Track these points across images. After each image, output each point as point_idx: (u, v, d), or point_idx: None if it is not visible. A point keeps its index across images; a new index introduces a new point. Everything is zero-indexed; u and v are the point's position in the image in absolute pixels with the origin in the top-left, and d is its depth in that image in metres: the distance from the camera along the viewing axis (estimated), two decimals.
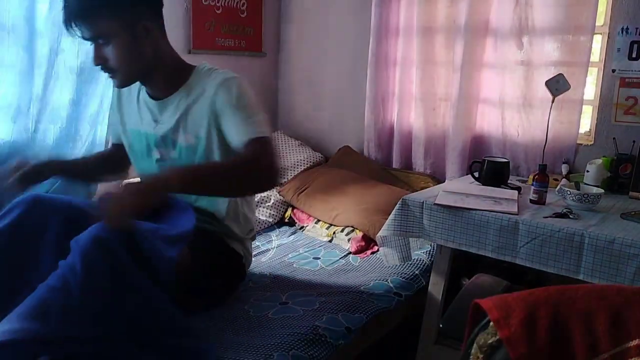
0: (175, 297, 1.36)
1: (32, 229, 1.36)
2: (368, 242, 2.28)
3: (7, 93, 1.88)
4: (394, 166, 2.75)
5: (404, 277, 2.00)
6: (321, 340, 1.52)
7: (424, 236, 1.89)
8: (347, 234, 2.34)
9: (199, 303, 1.60)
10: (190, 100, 1.54)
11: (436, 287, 1.97)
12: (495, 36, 2.40)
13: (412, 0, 2.57)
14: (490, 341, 0.81)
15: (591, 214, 1.78)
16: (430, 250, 2.20)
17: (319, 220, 2.48)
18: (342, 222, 2.38)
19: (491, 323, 0.81)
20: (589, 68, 2.21)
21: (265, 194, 2.62)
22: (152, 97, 1.61)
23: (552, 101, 2.14)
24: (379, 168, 2.72)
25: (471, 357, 0.83)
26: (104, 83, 2.07)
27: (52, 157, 1.68)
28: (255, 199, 2.55)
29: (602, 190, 1.88)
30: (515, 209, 1.77)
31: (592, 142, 2.28)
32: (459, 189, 2.01)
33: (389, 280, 1.96)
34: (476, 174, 2.17)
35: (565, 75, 2.12)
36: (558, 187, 1.94)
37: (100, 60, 1.47)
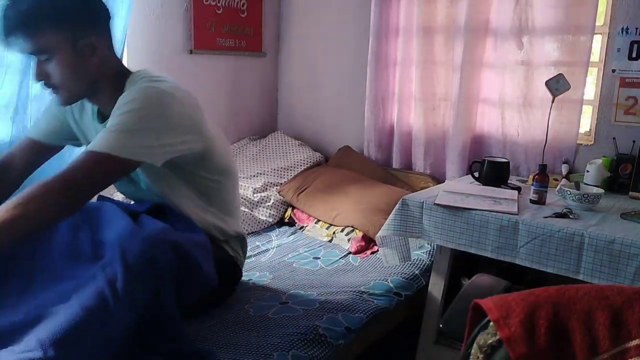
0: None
1: None
2: (368, 242, 2.28)
3: (5, 93, 1.88)
4: (394, 166, 2.75)
5: (404, 277, 2.00)
6: (321, 340, 1.52)
7: (424, 236, 1.89)
8: (347, 234, 2.34)
9: (196, 304, 1.59)
10: None
11: (436, 287, 1.97)
12: (495, 36, 2.40)
13: (412, 0, 2.57)
14: (490, 341, 0.81)
15: (591, 214, 1.78)
16: (430, 250, 2.20)
17: (319, 220, 2.48)
18: (342, 222, 2.38)
19: (491, 323, 0.81)
20: (589, 68, 2.21)
21: (265, 193, 2.62)
22: (101, 113, 1.52)
23: (552, 101, 2.14)
24: (379, 168, 2.72)
25: (471, 357, 0.83)
26: None
27: None
28: (255, 199, 2.55)
29: (602, 190, 1.88)
30: (515, 209, 1.77)
31: (592, 142, 2.28)
32: (459, 189, 2.01)
33: (389, 280, 1.96)
34: (476, 174, 2.17)
35: (565, 75, 2.11)
36: (558, 187, 1.94)
37: (41, 77, 1.39)
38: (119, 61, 1.52)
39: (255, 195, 2.58)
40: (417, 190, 2.28)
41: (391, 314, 1.86)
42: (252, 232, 2.45)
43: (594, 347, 0.77)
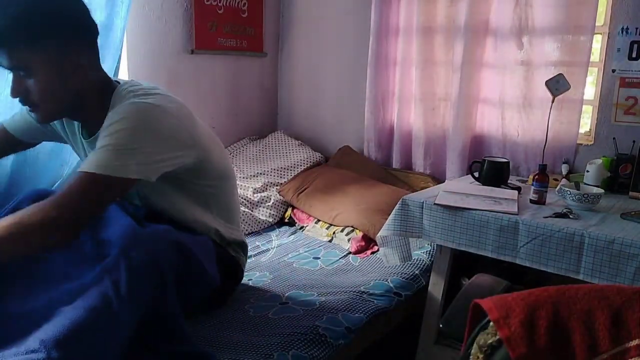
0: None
1: None
2: (368, 242, 2.28)
3: (5, 93, 1.88)
4: (394, 166, 2.75)
5: (404, 277, 2.00)
6: (321, 340, 1.52)
7: (424, 236, 1.89)
8: (347, 234, 2.34)
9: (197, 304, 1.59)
10: None
11: (436, 287, 1.97)
12: (495, 36, 2.40)
13: (412, 0, 2.57)
14: (490, 341, 0.81)
15: (591, 214, 1.78)
16: (430, 250, 2.20)
17: (319, 220, 2.48)
18: (342, 222, 2.38)
19: (491, 323, 0.81)
20: (589, 68, 2.21)
21: (265, 193, 2.62)
22: (86, 129, 1.49)
23: (552, 101, 2.14)
24: (379, 168, 2.72)
25: (471, 357, 0.83)
26: None
27: None
28: (255, 199, 2.55)
29: (602, 190, 1.88)
30: (515, 209, 1.77)
31: (592, 142, 2.28)
32: (459, 189, 2.01)
33: (389, 280, 1.96)
34: (476, 174, 2.17)
35: (565, 75, 2.12)
36: (558, 187, 1.94)
37: (18, 93, 1.30)
38: (105, 75, 1.43)
39: (255, 195, 2.58)
40: (417, 190, 2.28)
41: (391, 314, 1.86)
42: (252, 232, 2.45)
43: (594, 347, 0.77)
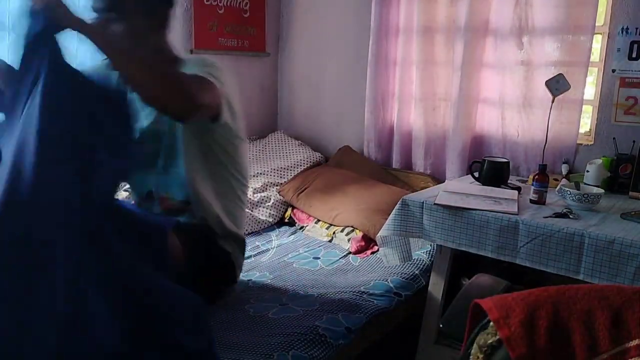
0: None
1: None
2: (368, 242, 2.28)
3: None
4: (394, 166, 2.75)
5: (404, 277, 2.00)
6: (321, 340, 1.52)
7: (424, 236, 1.89)
8: (347, 234, 2.34)
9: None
10: None
11: (436, 287, 1.97)
12: (495, 36, 2.40)
13: (412, 0, 2.57)
14: (490, 341, 0.81)
15: (591, 214, 1.78)
16: (430, 250, 2.20)
17: (319, 220, 2.48)
18: (342, 222, 2.38)
19: (491, 323, 0.81)
20: (589, 68, 2.21)
21: (265, 193, 2.61)
22: None
23: (552, 101, 2.14)
24: (379, 168, 2.72)
25: (471, 357, 0.83)
26: None
27: None
28: (255, 199, 2.55)
29: (602, 190, 1.88)
30: (515, 209, 1.77)
31: (592, 142, 2.28)
32: (459, 189, 2.01)
33: (389, 280, 1.96)
34: (476, 174, 2.17)
35: (565, 75, 2.12)
36: (558, 187, 1.94)
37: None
38: (173, 52, 1.61)
39: (255, 195, 2.58)
40: (417, 190, 2.27)
41: (391, 314, 1.86)
42: (252, 232, 2.45)
43: (594, 347, 0.77)
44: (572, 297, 0.81)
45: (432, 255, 2.14)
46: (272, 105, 3.20)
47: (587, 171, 2.08)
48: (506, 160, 2.15)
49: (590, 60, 2.21)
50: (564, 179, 2.11)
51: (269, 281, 1.91)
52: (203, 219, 1.62)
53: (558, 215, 1.74)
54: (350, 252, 2.26)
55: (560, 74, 2.12)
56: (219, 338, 1.47)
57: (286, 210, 2.63)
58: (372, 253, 2.24)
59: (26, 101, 1.20)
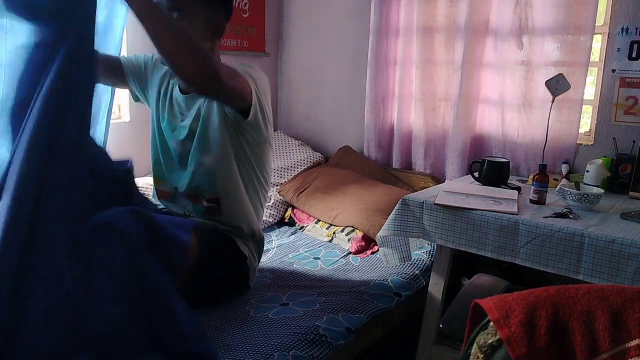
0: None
1: None
2: (368, 242, 2.28)
3: (7, 93, 1.88)
4: (394, 166, 2.75)
5: (404, 277, 2.00)
6: (321, 340, 1.52)
7: (424, 236, 1.89)
8: (347, 234, 2.34)
9: (200, 299, 1.60)
10: None
11: (436, 287, 1.97)
12: (495, 36, 2.40)
13: (412, 0, 2.57)
14: (490, 341, 0.81)
15: (591, 214, 1.78)
16: (430, 250, 2.20)
17: (319, 220, 2.48)
18: (342, 222, 2.38)
19: (491, 323, 0.81)
20: (589, 68, 2.21)
21: None
22: (181, 89, 1.67)
23: (552, 101, 2.14)
24: (379, 168, 2.72)
25: (471, 357, 0.83)
26: (104, 86, 2.07)
27: None
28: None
29: (602, 190, 1.88)
30: (515, 209, 1.77)
31: (592, 142, 2.28)
32: (459, 189, 2.01)
33: (389, 280, 1.96)
34: (476, 174, 2.17)
35: (565, 75, 2.12)
36: (558, 187, 1.94)
37: None
38: (219, 55, 1.68)
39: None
40: (417, 190, 2.28)
41: (391, 314, 1.86)
42: None
43: (594, 347, 0.77)
44: (572, 297, 0.81)
45: (432, 255, 2.14)
46: (272, 105, 3.19)
47: (587, 171, 2.08)
48: (506, 160, 2.15)
49: (590, 60, 2.21)
50: (564, 179, 2.11)
51: (269, 281, 1.91)
52: (235, 215, 1.67)
53: (558, 215, 1.74)
54: (350, 252, 2.26)
55: (560, 74, 2.12)
56: (219, 338, 1.47)
57: (286, 210, 2.63)
58: (372, 253, 2.24)
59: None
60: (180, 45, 1.31)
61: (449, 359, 1.93)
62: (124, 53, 2.24)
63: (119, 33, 2.07)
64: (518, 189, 2.03)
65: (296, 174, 2.74)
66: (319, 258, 2.19)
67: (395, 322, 1.96)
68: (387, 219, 1.97)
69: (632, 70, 2.14)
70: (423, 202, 1.87)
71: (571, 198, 1.83)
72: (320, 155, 2.92)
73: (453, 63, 2.48)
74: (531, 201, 1.89)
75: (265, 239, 2.37)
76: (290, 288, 1.85)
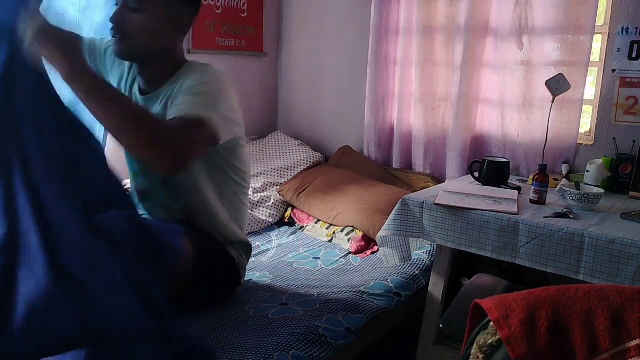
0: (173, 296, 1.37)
1: None
2: (368, 242, 2.28)
3: None
4: (394, 166, 2.75)
5: (404, 277, 2.00)
6: (321, 340, 1.52)
7: (424, 236, 1.89)
8: (347, 234, 2.34)
9: (198, 302, 1.60)
10: (169, 92, 1.51)
11: (436, 287, 1.97)
12: (495, 36, 2.40)
13: (412, 0, 2.57)
14: (490, 341, 0.81)
15: (591, 214, 1.78)
16: (430, 250, 2.20)
17: (319, 220, 2.48)
18: (342, 222, 2.38)
19: (491, 323, 0.81)
20: (589, 68, 2.21)
21: (265, 193, 2.61)
22: (141, 89, 1.59)
23: (552, 101, 2.14)
24: (379, 168, 2.72)
25: (471, 357, 0.83)
26: None
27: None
28: (255, 199, 2.55)
29: (602, 190, 1.88)
30: (515, 209, 1.77)
31: (592, 142, 2.28)
32: (459, 189, 2.00)
33: (389, 280, 1.96)
34: (476, 174, 2.17)
35: (565, 75, 2.12)
36: (558, 187, 1.94)
37: (117, 20, 1.43)
38: (183, 51, 1.60)
39: (255, 195, 2.58)
40: (417, 190, 2.27)
41: (391, 314, 1.86)
42: (252, 232, 2.44)
43: (594, 347, 0.77)
44: (572, 297, 0.81)
45: (432, 255, 2.14)
46: (272, 105, 3.20)
47: (587, 171, 2.08)
48: (506, 160, 2.15)
49: (590, 60, 2.21)
50: (564, 179, 2.11)
51: (269, 281, 1.91)
52: (207, 227, 1.61)
53: (558, 215, 1.73)
54: (350, 252, 2.26)
55: (560, 74, 2.12)
56: (219, 338, 1.47)
57: (286, 210, 2.63)
58: (372, 253, 2.24)
59: None
60: (136, 137, 1.23)
61: (449, 359, 1.93)
62: None
63: None
64: (518, 189, 2.03)
65: (296, 174, 2.74)
66: (319, 258, 2.19)
67: (395, 322, 1.96)
68: (387, 219, 1.97)
69: (632, 70, 2.14)
70: (423, 202, 1.87)
71: (571, 198, 1.83)
72: (320, 155, 2.92)
73: (453, 63, 2.48)
74: (531, 201, 1.89)
75: (265, 239, 2.39)
76: (290, 288, 1.85)
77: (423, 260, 2.15)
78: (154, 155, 1.26)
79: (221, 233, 1.64)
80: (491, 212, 1.75)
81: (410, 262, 2.07)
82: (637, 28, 2.11)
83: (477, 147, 2.53)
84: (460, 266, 2.19)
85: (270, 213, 2.57)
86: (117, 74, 1.64)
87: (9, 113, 1.15)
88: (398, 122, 2.70)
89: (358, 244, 2.26)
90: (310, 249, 2.29)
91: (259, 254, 2.19)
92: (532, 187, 1.91)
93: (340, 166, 2.75)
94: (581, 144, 2.30)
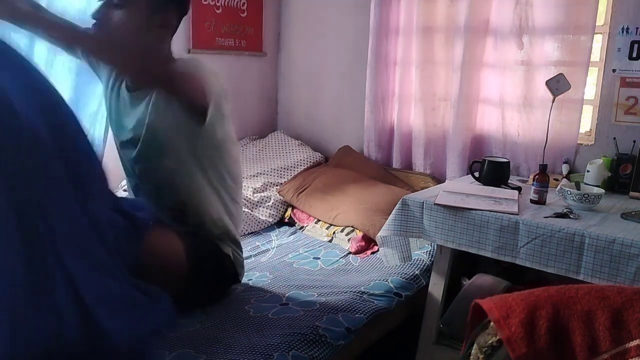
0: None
1: None
2: (368, 242, 2.28)
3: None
4: (394, 166, 2.75)
5: (404, 277, 2.00)
6: (321, 340, 1.52)
7: (424, 236, 1.89)
8: (347, 234, 2.34)
9: (195, 302, 1.60)
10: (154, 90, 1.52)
11: (436, 287, 1.97)
12: (495, 36, 2.39)
13: (412, 0, 2.57)
14: (490, 341, 0.81)
15: (591, 214, 1.78)
16: (430, 250, 2.19)
17: (319, 220, 2.48)
18: (342, 222, 2.38)
19: (491, 323, 0.81)
20: (589, 68, 2.21)
21: (265, 193, 2.61)
22: (128, 86, 1.59)
23: (553, 101, 2.14)
24: (379, 168, 2.72)
25: (471, 357, 0.83)
26: (101, 84, 2.07)
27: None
28: (255, 199, 2.55)
29: (603, 190, 1.88)
30: (515, 209, 1.77)
31: (593, 142, 2.28)
32: (459, 189, 2.00)
33: (389, 280, 1.96)
34: (476, 174, 2.17)
35: (565, 75, 2.11)
36: (558, 187, 1.94)
37: (100, 15, 1.43)
38: (170, 50, 1.59)
39: (255, 195, 2.58)
40: (417, 190, 2.27)
41: (391, 314, 1.86)
42: (252, 232, 2.44)
43: (594, 347, 0.77)
44: (572, 297, 0.81)
45: (432, 255, 2.14)
46: (272, 105, 3.20)
47: (588, 171, 2.08)
48: (506, 160, 2.15)
49: (591, 60, 2.21)
50: (564, 179, 2.11)
51: (269, 281, 1.91)
52: (198, 222, 1.61)
53: (558, 215, 1.73)
54: (350, 252, 2.25)
55: (560, 74, 2.12)
56: (219, 338, 1.47)
57: (286, 210, 2.63)
58: (372, 253, 2.24)
59: None
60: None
61: (448, 359, 1.93)
62: None
63: None
64: (518, 189, 2.03)
65: (296, 173, 2.73)
66: (319, 258, 2.19)
67: (395, 322, 1.95)
68: (387, 219, 1.97)
69: (632, 70, 2.14)
70: (423, 202, 1.87)
71: (571, 198, 1.83)
72: (320, 155, 2.92)
73: (453, 63, 2.48)
74: (531, 201, 1.89)
75: (265, 239, 2.39)
76: (290, 288, 1.84)
77: (423, 260, 2.15)
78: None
79: (214, 225, 1.63)
80: (491, 212, 1.75)
81: (410, 262, 2.07)
82: (637, 28, 2.11)
83: (477, 147, 2.53)
84: (460, 266, 2.19)
85: (270, 213, 2.56)
86: (107, 69, 1.64)
87: None
88: (398, 122, 2.70)
89: (358, 244, 2.26)
90: (310, 249, 2.29)
91: (258, 254, 2.19)
92: (532, 187, 1.91)
93: (340, 166, 2.75)
94: (581, 144, 2.30)
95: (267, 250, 2.26)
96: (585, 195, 1.81)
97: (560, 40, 2.24)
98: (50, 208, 1.07)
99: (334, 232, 2.39)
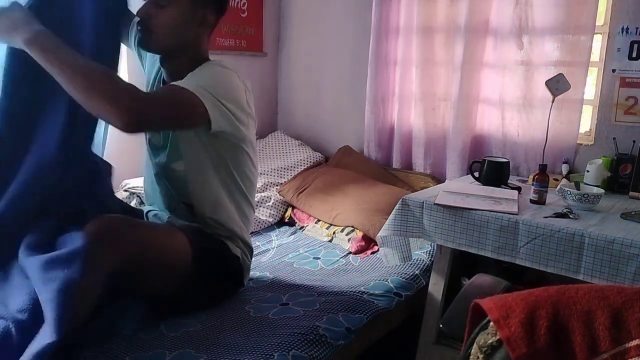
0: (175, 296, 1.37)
1: None
2: (368, 242, 2.28)
3: None
4: (394, 166, 2.75)
5: (404, 277, 2.00)
6: (321, 340, 1.52)
7: (424, 236, 1.89)
8: (347, 234, 2.34)
9: (199, 301, 1.60)
10: None
11: (436, 287, 1.97)
12: (495, 36, 2.40)
13: (412, 0, 2.57)
14: (490, 341, 0.81)
15: (591, 214, 1.78)
16: (430, 250, 2.20)
17: (319, 220, 2.48)
18: (342, 222, 2.38)
19: (491, 323, 0.81)
20: (589, 68, 2.21)
21: (265, 193, 2.61)
22: (164, 81, 1.63)
23: (552, 101, 2.14)
24: (379, 168, 2.72)
25: (471, 357, 0.83)
26: None
27: None
28: (255, 199, 2.55)
29: (602, 190, 1.88)
30: (515, 209, 1.77)
31: (592, 142, 2.28)
32: (459, 188, 2.00)
33: (389, 280, 1.96)
34: (476, 174, 2.17)
35: (565, 75, 2.12)
36: (558, 187, 1.94)
37: (144, 14, 1.48)
38: (207, 50, 1.64)
39: (255, 195, 2.58)
40: (417, 190, 2.27)
41: (391, 314, 1.86)
42: (252, 232, 2.44)
43: (594, 347, 0.77)
44: (572, 297, 0.81)
45: (432, 255, 2.14)
46: (272, 105, 3.20)
47: (587, 171, 2.08)
48: (506, 160, 2.15)
49: (591, 60, 2.21)
50: (564, 179, 2.11)
51: (269, 281, 1.91)
52: (208, 220, 1.62)
53: (558, 215, 1.73)
54: (350, 252, 2.26)
55: (560, 74, 2.12)
56: (219, 338, 1.47)
57: (286, 210, 2.63)
58: (372, 253, 2.24)
59: None
60: (90, 89, 1.24)
61: (448, 359, 1.93)
62: (122, 53, 2.24)
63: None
64: (518, 189, 2.03)
65: (296, 174, 2.74)
66: (319, 258, 2.19)
67: (395, 322, 1.96)
68: (387, 219, 1.97)
69: (632, 70, 2.14)
70: (423, 202, 1.87)
71: (571, 198, 1.83)
72: (320, 155, 2.92)
73: (453, 63, 2.48)
74: (531, 201, 1.89)
75: (265, 239, 2.39)
76: (290, 288, 1.85)
77: (423, 260, 2.15)
78: (106, 108, 1.25)
79: (225, 224, 1.65)
80: (491, 212, 1.75)
81: (410, 262, 2.07)
82: (637, 28, 2.11)
83: (477, 147, 2.53)
84: (460, 266, 2.19)
85: (270, 213, 2.57)
86: (153, 60, 1.69)
87: None
88: (398, 122, 2.70)
89: (358, 244, 2.26)
90: (310, 249, 2.29)
91: (259, 254, 2.19)
92: (532, 187, 1.91)
93: (340, 166, 2.75)
94: (581, 144, 2.30)
95: (267, 250, 2.26)
96: (585, 195, 1.81)
97: (560, 40, 2.24)
98: None
99: (334, 232, 2.39)
